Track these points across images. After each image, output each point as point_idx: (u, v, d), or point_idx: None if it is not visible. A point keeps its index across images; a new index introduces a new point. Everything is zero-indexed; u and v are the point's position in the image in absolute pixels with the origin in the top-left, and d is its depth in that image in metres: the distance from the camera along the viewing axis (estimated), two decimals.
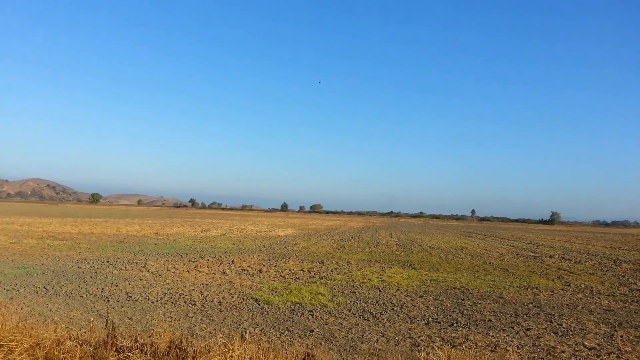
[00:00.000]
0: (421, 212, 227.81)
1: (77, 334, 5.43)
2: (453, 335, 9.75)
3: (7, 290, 12.67)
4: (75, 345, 5.07)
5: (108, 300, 11.93)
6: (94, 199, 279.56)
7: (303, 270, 18.80)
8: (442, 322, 10.85)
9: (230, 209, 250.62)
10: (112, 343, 5.16)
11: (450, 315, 11.63)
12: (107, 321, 5.80)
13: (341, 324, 10.56)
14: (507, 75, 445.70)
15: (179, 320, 10.13)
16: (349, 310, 12.00)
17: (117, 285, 14.00)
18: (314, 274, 18.05)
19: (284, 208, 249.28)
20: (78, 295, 12.45)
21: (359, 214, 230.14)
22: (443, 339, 9.33)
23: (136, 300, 12.06)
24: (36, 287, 13.21)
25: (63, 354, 4.95)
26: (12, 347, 4.92)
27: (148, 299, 12.25)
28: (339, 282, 16.40)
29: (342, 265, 21.24)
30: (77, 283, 14.17)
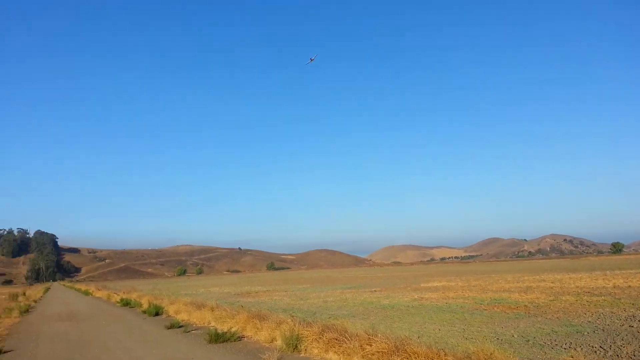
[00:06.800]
0: None
1: None
2: None
3: (565, 349, 12.74)
4: None
5: None
6: (616, 248, 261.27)
7: None
8: None
9: None
10: None
11: None
12: None
13: None
14: None
15: None
16: None
17: None
18: None
19: None
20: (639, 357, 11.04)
21: None
22: None
23: None
24: (592, 347, 12.72)
25: None
26: None
27: None
28: None
29: None
30: (636, 344, 12.72)
